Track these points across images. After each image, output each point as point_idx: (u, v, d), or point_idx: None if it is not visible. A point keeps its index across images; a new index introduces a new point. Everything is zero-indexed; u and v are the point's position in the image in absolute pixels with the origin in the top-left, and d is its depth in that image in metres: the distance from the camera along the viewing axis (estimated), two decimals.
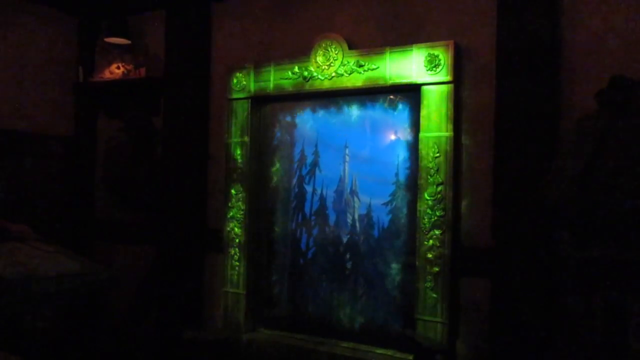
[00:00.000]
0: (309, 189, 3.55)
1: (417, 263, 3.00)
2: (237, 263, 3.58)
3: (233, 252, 3.61)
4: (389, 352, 3.19)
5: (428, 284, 2.95)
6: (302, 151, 3.58)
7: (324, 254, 3.47)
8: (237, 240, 3.59)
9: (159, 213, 3.85)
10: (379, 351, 3.22)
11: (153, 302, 3.88)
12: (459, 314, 2.97)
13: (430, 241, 2.95)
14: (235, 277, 3.59)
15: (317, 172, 3.53)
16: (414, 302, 3.01)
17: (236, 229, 3.60)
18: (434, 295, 2.93)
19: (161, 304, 3.80)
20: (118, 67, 4.09)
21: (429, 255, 2.95)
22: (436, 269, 2.93)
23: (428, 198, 2.96)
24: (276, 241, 3.65)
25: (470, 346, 2.94)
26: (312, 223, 3.55)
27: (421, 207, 2.99)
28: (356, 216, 3.38)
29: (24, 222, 3.44)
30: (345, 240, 3.41)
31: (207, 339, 3.36)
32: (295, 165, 3.60)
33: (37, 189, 4.09)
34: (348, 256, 3.40)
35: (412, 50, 3.04)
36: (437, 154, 2.95)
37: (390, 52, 3.10)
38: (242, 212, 3.58)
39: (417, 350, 2.80)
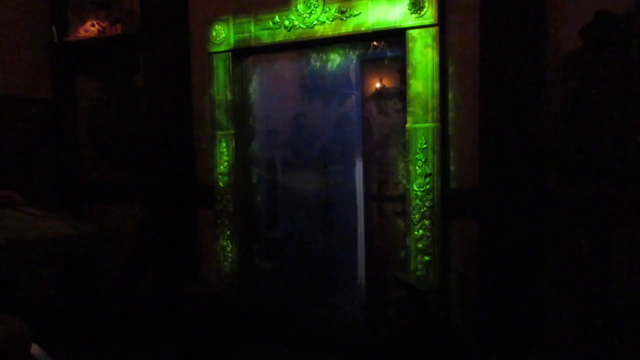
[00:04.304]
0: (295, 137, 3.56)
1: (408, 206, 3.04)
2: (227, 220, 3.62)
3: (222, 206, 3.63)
4: None
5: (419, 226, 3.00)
6: (285, 102, 3.55)
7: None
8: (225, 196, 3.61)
9: (148, 171, 3.82)
10: None
11: (147, 260, 3.91)
12: (450, 256, 3.04)
13: (419, 180, 2.98)
14: (227, 231, 3.62)
15: (302, 122, 3.52)
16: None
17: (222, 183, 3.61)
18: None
19: (156, 262, 3.84)
20: (93, 25, 3.95)
21: (420, 195, 2.99)
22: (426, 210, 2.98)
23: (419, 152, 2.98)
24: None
25: (462, 286, 3.03)
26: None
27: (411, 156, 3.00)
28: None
29: (10, 189, 3.41)
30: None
31: (203, 293, 3.42)
32: (278, 118, 3.58)
33: (21, 154, 4.02)
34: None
35: None
36: (427, 95, 2.93)
37: None
38: (227, 166, 3.57)
39: (409, 292, 2.87)
